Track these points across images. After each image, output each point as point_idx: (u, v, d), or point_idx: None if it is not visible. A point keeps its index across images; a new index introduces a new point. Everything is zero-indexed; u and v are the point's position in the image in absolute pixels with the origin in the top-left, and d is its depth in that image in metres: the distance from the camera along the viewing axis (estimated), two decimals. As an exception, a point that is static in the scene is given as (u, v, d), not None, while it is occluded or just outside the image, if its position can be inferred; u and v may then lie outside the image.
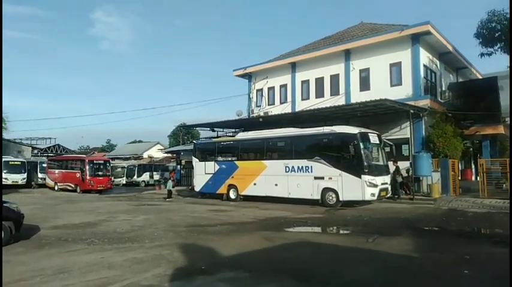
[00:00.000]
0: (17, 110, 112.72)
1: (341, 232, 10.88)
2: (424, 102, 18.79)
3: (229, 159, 19.53)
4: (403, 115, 18.10)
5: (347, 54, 22.09)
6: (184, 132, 60.30)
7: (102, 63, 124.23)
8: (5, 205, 8.73)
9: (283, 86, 25.22)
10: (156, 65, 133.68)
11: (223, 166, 19.54)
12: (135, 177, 37.56)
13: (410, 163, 17.59)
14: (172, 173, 37.18)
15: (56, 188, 28.40)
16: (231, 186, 18.99)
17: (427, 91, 20.21)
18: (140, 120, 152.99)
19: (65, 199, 21.99)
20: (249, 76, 27.08)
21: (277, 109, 24.23)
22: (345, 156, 15.00)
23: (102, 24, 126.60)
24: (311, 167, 15.87)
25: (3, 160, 29.53)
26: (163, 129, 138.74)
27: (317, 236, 10.23)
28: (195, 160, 21.35)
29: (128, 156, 54.39)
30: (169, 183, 22.78)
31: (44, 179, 30.63)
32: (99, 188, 26.48)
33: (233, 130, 25.33)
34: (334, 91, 22.53)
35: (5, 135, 43.10)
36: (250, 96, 26.90)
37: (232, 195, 18.92)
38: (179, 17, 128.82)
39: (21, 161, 30.92)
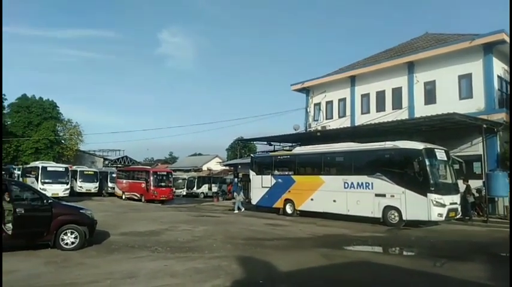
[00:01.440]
0: (92, 124, 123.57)
1: (405, 253, 10.28)
2: (499, 116, 17.31)
3: (286, 173, 19.49)
4: (474, 130, 16.79)
5: (410, 67, 21.18)
6: (241, 146, 61.54)
7: (167, 81, 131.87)
8: (80, 211, 9.54)
9: (342, 100, 24.79)
10: (216, 81, 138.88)
11: (280, 180, 19.53)
12: (195, 188, 38.92)
13: (484, 181, 16.18)
14: (229, 186, 38.03)
15: (124, 197, 30.28)
16: (287, 200, 18.89)
17: (502, 104, 18.60)
18: (200, 134, 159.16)
19: (131, 207, 23.38)
20: (306, 90, 27.03)
21: (335, 123, 23.80)
22: (408, 173, 14.25)
23: (168, 44, 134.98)
24: (372, 183, 15.28)
25: (79, 169, 32.31)
26: (222, 143, 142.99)
27: (378, 257, 9.76)
28: (252, 173, 21.60)
29: (188, 168, 56.62)
30: (240, 195, 23.01)
31: (113, 188, 32.86)
32: (161, 198, 27.77)
33: (290, 144, 25.31)
34: (396, 105, 21.64)
35: (81, 147, 47.30)
36: (308, 110, 26.77)
37: (288, 210, 18.79)
38: (238, 35, 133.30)
39: (94, 171, 33.57)
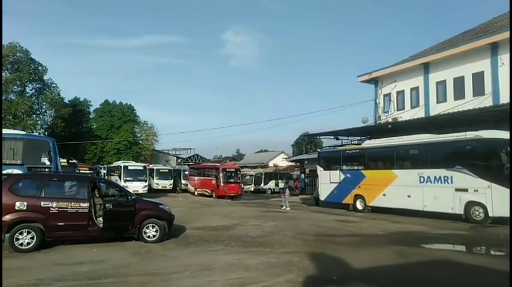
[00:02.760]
0: (165, 125, 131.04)
1: (492, 253, 9.41)
2: None
3: (356, 168, 18.91)
4: None
5: (494, 48, 19.16)
6: (307, 142, 60.91)
7: (232, 79, 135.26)
8: (160, 206, 10.23)
9: (415, 89, 23.28)
10: (280, 77, 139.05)
11: (349, 175, 19.02)
12: (262, 185, 39.50)
13: None
14: (296, 182, 37.95)
15: (196, 193, 31.79)
16: (357, 196, 18.33)
17: None
18: (266, 131, 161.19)
19: (203, 203, 24.47)
20: (375, 81, 25.85)
21: (408, 114, 22.44)
22: (494, 165, 12.99)
23: (231, 43, 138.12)
24: (451, 177, 14.19)
25: (155, 167, 34.58)
26: (287, 138, 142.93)
27: (461, 256, 9.04)
28: (319, 169, 21.32)
29: (255, 164, 57.62)
30: (287, 193, 22.99)
31: (186, 185, 34.65)
32: (231, 194, 28.64)
33: (358, 138, 24.45)
34: (478, 91, 19.75)
35: (156, 147, 50.65)
36: (377, 101, 25.60)
37: (359, 205, 18.23)
38: (300, 30, 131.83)
39: (168, 169, 35.77)
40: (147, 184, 28.89)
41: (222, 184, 28.51)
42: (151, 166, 34.36)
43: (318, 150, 24.05)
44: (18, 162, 12.38)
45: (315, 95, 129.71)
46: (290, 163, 48.74)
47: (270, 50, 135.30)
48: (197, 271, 6.86)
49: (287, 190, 22.08)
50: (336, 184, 19.56)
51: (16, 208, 8.20)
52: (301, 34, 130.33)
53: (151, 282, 6.05)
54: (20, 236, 8.09)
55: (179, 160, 56.64)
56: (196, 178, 32.90)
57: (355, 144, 22.53)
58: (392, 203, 16.44)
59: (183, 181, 35.55)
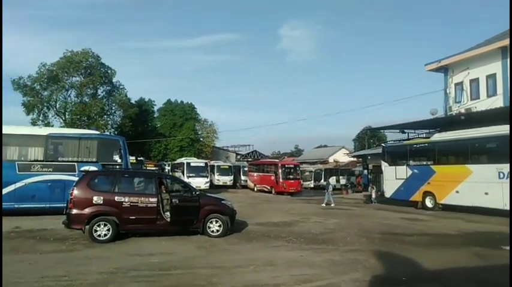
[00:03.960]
0: (225, 122, 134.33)
1: None
2: None
3: (424, 163, 17.77)
4: None
5: None
6: (369, 136, 58.73)
7: (290, 74, 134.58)
8: (222, 202, 10.48)
9: (491, 77, 21.22)
10: (340, 69, 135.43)
11: (417, 171, 17.92)
12: (322, 181, 38.82)
13: None
14: (358, 178, 36.77)
15: (255, 189, 32.16)
16: (427, 193, 17.22)
17: None
18: (325, 126, 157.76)
19: (263, 199, 24.68)
20: (444, 69, 24.02)
21: (483, 104, 20.54)
22: None
23: (288, 38, 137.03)
24: (536, 173, 12.73)
25: (216, 164, 35.57)
26: (348, 133, 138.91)
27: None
28: (384, 164, 20.39)
29: (314, 160, 56.85)
30: (330, 189, 22.32)
31: (246, 181, 35.22)
32: (290, 191, 28.53)
33: (426, 131, 22.91)
34: None
35: (216, 144, 52.12)
36: (447, 91, 23.78)
37: (428, 203, 17.11)
38: (361, 18, 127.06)
39: (228, 166, 36.62)
40: (208, 179, 29.85)
41: (281, 180, 28.50)
42: (212, 163, 35.40)
43: (383, 144, 23.00)
44: (94, 159, 13.51)
45: (378, 88, 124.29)
46: (351, 159, 47.29)
47: (329, 43, 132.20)
48: (260, 266, 6.90)
49: (330, 186, 21.71)
50: (403, 180, 18.56)
51: (94, 202, 8.90)
52: (362, 23, 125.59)
53: (216, 275, 6.19)
54: (98, 228, 8.76)
55: (238, 156, 57.78)
56: (255, 174, 33.27)
57: (423, 137, 21.17)
58: (467, 200, 15.18)
59: (242, 177, 36.17)
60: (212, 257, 7.64)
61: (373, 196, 21.95)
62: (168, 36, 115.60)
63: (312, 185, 39.24)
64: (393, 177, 19.14)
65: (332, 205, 19.65)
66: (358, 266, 6.86)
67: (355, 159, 45.08)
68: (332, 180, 38.17)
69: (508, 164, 13.59)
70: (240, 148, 62.89)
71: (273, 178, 29.58)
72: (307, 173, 40.76)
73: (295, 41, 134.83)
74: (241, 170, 36.75)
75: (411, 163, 18.43)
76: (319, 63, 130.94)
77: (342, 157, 55.66)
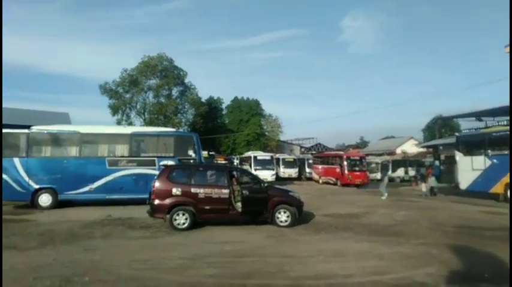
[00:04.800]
0: (288, 116, 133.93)
1: None
2: None
3: (506, 152, 16.34)
4: None
5: None
6: (440, 125, 54.94)
7: (352, 66, 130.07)
8: (289, 193, 10.77)
9: None
10: (405, 57, 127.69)
11: (497, 161, 16.54)
12: (390, 173, 37.27)
13: None
14: (429, 169, 34.71)
15: (320, 181, 31.98)
16: (509, 185, 15.85)
17: None
18: (392, 116, 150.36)
19: (328, 191, 24.52)
20: (529, 50, 21.67)
21: None
22: None
23: (350, 29, 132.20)
24: None
25: (281, 157, 35.98)
26: (416, 123, 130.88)
27: None
28: (458, 155, 19.12)
29: (380, 152, 54.70)
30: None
31: (310, 173, 35.12)
32: (356, 183, 27.93)
33: (507, 118, 20.96)
34: None
35: (281, 138, 52.56)
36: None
37: (512, 195, 15.74)
38: (425, 3, 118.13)
39: (293, 158, 36.86)
40: (274, 172, 30.36)
41: (346, 172, 28.02)
42: (277, 156, 35.82)
43: (456, 134, 21.51)
44: (171, 155, 14.60)
45: (447, 74, 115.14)
46: (421, 149, 44.72)
47: (392, 31, 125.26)
48: (330, 256, 7.06)
49: (385, 178, 20.94)
50: (480, 171, 17.26)
51: (173, 193, 9.72)
52: (427, 8, 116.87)
53: (287, 263, 6.50)
54: (177, 217, 9.58)
55: (302, 149, 57.65)
56: (320, 166, 33.05)
57: (503, 125, 19.45)
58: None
59: (307, 169, 36.11)
60: (282, 246, 7.96)
61: (424, 189, 20.86)
62: (232, 36, 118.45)
63: (379, 177, 37.74)
64: (469, 168, 17.88)
65: (383, 197, 18.98)
66: (432, 260, 6.72)
67: (425, 150, 42.60)
68: (400, 171, 36.62)
69: None
70: (304, 141, 62.62)
71: (338, 170, 29.18)
72: (373, 165, 39.34)
73: (356, 31, 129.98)
74: (306, 162, 36.71)
75: (490, 152, 17.06)
76: (382, 52, 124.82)
77: (411, 148, 52.85)
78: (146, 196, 11.60)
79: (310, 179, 34.69)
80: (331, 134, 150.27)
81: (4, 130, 13.99)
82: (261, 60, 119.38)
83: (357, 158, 30.32)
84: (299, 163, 36.07)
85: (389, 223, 11.11)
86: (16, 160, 13.45)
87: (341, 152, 37.70)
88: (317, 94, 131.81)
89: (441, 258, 6.86)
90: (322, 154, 38.43)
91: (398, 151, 55.10)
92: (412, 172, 36.02)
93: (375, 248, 7.75)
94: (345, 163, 28.34)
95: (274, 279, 5.68)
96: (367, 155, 44.68)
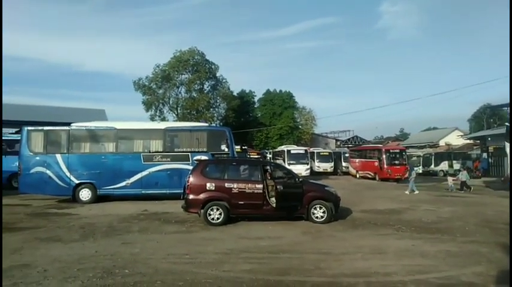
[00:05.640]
0: (323, 108, 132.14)
1: None
2: None
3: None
4: None
5: None
6: (489, 115, 51.85)
7: (392, 54, 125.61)
8: (325, 188, 10.48)
9: None
10: (449, 43, 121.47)
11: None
12: (432, 166, 35.69)
13: None
14: (476, 163, 32.85)
15: (357, 175, 31.15)
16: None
17: None
18: (434, 106, 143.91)
19: (366, 185, 23.83)
20: None
21: None
22: None
23: (389, 14, 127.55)
24: None
25: (315, 150, 35.44)
26: (461, 113, 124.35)
27: None
28: (509, 147, 17.88)
29: (422, 144, 52.50)
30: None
31: (347, 167, 34.32)
32: (396, 177, 26.92)
33: None
34: None
35: (315, 131, 51.77)
36: None
37: None
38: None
39: (328, 152, 36.12)
40: (309, 166, 29.95)
41: (385, 166, 27.07)
42: (311, 149, 35.31)
43: (507, 124, 20.15)
44: (204, 149, 14.70)
45: (495, 60, 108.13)
46: (467, 141, 42.36)
47: (434, 14, 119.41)
48: (369, 253, 6.78)
49: (413, 173, 19.82)
50: (534, 164, 16.06)
51: (207, 188, 9.74)
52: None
53: (324, 260, 6.29)
54: (211, 212, 9.59)
55: (338, 143, 56.54)
56: (357, 160, 32.22)
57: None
58: None
59: (343, 164, 35.32)
60: (318, 242, 7.74)
61: (450, 183, 19.96)
62: (264, 28, 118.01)
63: (421, 171, 36.30)
64: (522, 160, 16.69)
65: (416, 192, 18.08)
66: (480, 259, 6.27)
67: (471, 141, 40.32)
68: (444, 165, 34.92)
69: None
70: (339, 133, 61.51)
71: (376, 163, 28.26)
72: (414, 158, 37.85)
73: (396, 16, 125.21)
74: (342, 156, 35.90)
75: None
76: (423, 38, 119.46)
77: (455, 140, 50.19)
78: (180, 190, 11.72)
79: (346, 173, 33.94)
80: (368, 127, 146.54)
81: (46, 127, 14.70)
82: (294, 51, 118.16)
83: (397, 151, 29.23)
84: (335, 157, 35.33)
85: (433, 219, 10.55)
86: (58, 156, 14.05)
87: (380, 145, 36.56)
88: (353, 85, 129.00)
89: (491, 257, 6.40)
90: (359, 147, 37.47)
91: (442, 143, 52.53)
92: (457, 166, 34.26)
93: (417, 245, 7.37)
94: (384, 156, 27.41)
95: (311, 276, 5.51)
96: (408, 147, 43.06)
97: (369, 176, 29.19)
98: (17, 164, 14.33)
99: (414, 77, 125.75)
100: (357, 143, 53.70)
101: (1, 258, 5.80)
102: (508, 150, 18.05)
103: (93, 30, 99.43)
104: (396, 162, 27.61)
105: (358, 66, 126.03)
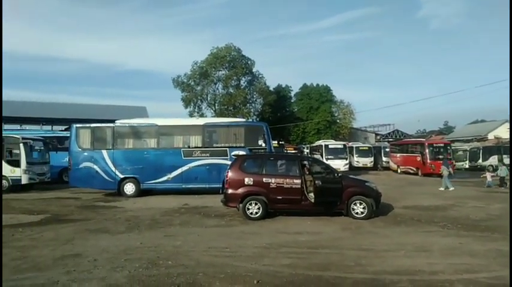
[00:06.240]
0: (362, 102, 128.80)
1: None
2: None
3: None
4: None
5: None
6: (544, 106, 48.08)
7: (434, 43, 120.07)
8: (365, 184, 10.24)
9: None
10: (496, 31, 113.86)
11: None
12: (480, 161, 33.75)
13: None
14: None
15: (399, 171, 30.12)
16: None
17: None
18: (482, 98, 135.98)
19: (408, 181, 23.02)
20: None
21: None
22: None
23: (431, 2, 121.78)
24: None
25: (354, 145, 34.66)
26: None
27: None
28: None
29: (469, 138, 49.86)
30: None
31: (387, 162, 33.25)
32: (440, 172, 25.77)
33: None
34: None
35: (354, 125, 50.60)
36: None
37: None
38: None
39: (368, 147, 35.17)
40: (347, 161, 29.35)
41: (428, 161, 25.95)
42: (350, 144, 34.53)
43: None
44: (242, 145, 14.85)
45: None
46: (519, 134, 39.63)
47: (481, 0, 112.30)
48: (412, 251, 6.56)
49: (446, 170, 18.35)
50: None
51: (245, 183, 9.84)
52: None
53: (365, 257, 6.16)
54: (250, 207, 9.69)
55: (378, 137, 54.93)
56: (398, 154, 31.16)
57: None
58: None
59: (383, 158, 34.24)
60: (358, 239, 7.59)
61: (489, 178, 18.87)
62: (300, 21, 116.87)
63: (467, 166, 34.50)
64: None
65: (450, 188, 17.13)
66: (538, 260, 5.85)
67: (524, 134, 37.65)
68: (493, 159, 32.90)
69: None
70: (379, 127, 59.70)
71: (418, 158, 27.19)
72: (460, 153, 36.00)
73: (438, 4, 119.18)
74: (382, 151, 34.81)
75: None
76: (469, 26, 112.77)
77: (506, 133, 47.13)
78: (219, 185, 11.92)
79: (387, 168, 32.92)
80: (410, 120, 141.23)
81: (93, 125, 15.46)
82: (331, 44, 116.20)
83: (441, 145, 27.99)
84: (374, 152, 34.34)
85: (482, 216, 10.03)
86: (104, 152, 14.76)
87: (422, 139, 35.17)
88: (393, 77, 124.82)
89: (550, 258, 5.93)
90: (400, 141, 36.23)
91: (490, 136, 49.56)
92: (507, 160, 32.15)
93: (465, 244, 7.04)
94: (427, 150, 26.30)
95: (351, 272, 5.41)
96: (453, 141, 41.05)
97: (411, 171, 28.18)
98: (67, 160, 15.23)
99: (459, 67, 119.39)
100: (397, 137, 51.90)
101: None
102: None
103: (134, 30, 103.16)
104: (440, 156, 26.39)
105: (399, 58, 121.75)
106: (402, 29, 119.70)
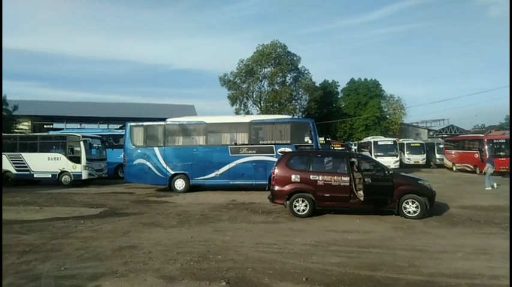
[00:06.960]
0: (413, 96, 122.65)
1: None
2: None
3: None
4: None
5: None
6: None
7: (494, 32, 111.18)
8: (419, 182, 9.79)
9: None
10: None
11: None
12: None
13: None
14: None
15: (454, 168, 28.47)
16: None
17: None
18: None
19: (464, 179, 21.71)
20: None
21: None
22: None
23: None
24: None
25: (405, 141, 33.27)
26: None
27: None
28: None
29: (534, 133, 45.83)
30: (490, 167, 17.09)
31: (442, 159, 31.56)
32: (501, 170, 23.94)
33: None
34: None
35: (404, 121, 48.49)
36: None
37: None
38: None
39: (420, 143, 33.58)
40: (398, 159, 28.23)
41: (488, 158, 24.26)
42: (401, 141, 33.19)
43: None
44: (288, 141, 14.82)
45: None
46: None
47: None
48: (471, 253, 6.20)
49: (489, 168, 16.96)
50: None
51: (292, 180, 9.81)
52: None
53: (419, 258, 5.92)
54: (297, 204, 9.65)
55: (431, 133, 52.18)
56: (453, 151, 29.42)
57: None
58: None
59: (437, 155, 32.57)
60: (411, 239, 7.30)
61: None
62: (346, 15, 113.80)
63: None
64: None
65: (489, 188, 16.02)
66: None
67: None
68: None
69: None
70: (432, 123, 56.57)
71: (476, 155, 25.46)
72: (524, 149, 33.22)
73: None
74: (436, 147, 33.10)
75: None
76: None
77: None
78: (265, 182, 11.98)
79: (441, 166, 31.27)
80: (466, 115, 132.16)
81: (146, 123, 16.21)
82: (379, 37, 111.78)
83: (502, 141, 25.92)
84: (427, 148, 32.73)
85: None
86: (156, 149, 15.43)
87: (480, 135, 32.85)
88: (447, 69, 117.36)
89: None
90: (456, 138, 34.15)
91: (558, 131, 45.22)
92: None
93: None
94: (486, 147, 24.54)
95: (404, 273, 5.23)
96: (515, 137, 37.96)
97: (468, 169, 26.48)
98: (122, 156, 16.12)
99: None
100: (452, 133, 48.95)
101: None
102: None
103: (182, 31, 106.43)
104: (501, 153, 24.53)
105: (454, 49, 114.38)
106: (457, 17, 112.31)
